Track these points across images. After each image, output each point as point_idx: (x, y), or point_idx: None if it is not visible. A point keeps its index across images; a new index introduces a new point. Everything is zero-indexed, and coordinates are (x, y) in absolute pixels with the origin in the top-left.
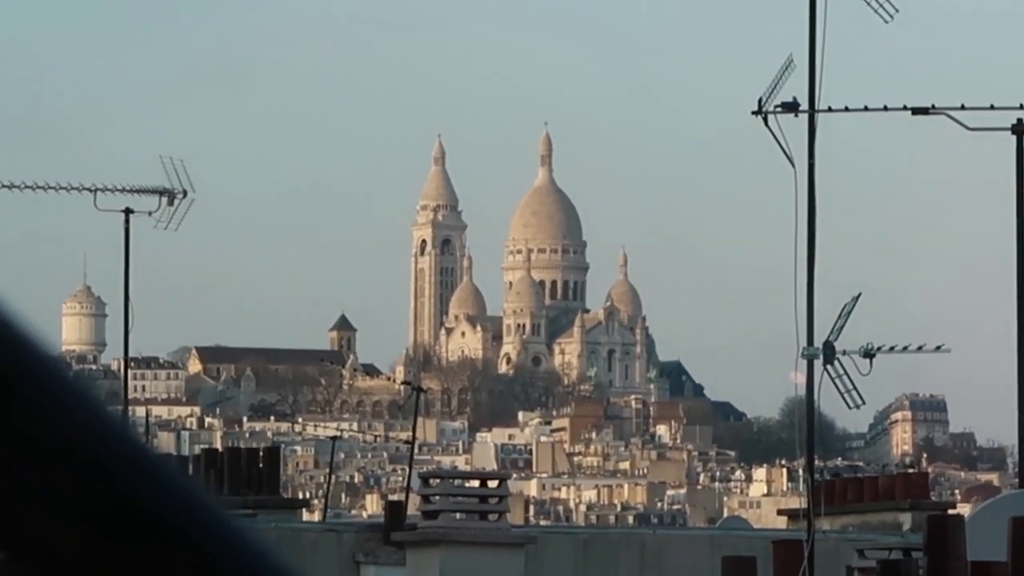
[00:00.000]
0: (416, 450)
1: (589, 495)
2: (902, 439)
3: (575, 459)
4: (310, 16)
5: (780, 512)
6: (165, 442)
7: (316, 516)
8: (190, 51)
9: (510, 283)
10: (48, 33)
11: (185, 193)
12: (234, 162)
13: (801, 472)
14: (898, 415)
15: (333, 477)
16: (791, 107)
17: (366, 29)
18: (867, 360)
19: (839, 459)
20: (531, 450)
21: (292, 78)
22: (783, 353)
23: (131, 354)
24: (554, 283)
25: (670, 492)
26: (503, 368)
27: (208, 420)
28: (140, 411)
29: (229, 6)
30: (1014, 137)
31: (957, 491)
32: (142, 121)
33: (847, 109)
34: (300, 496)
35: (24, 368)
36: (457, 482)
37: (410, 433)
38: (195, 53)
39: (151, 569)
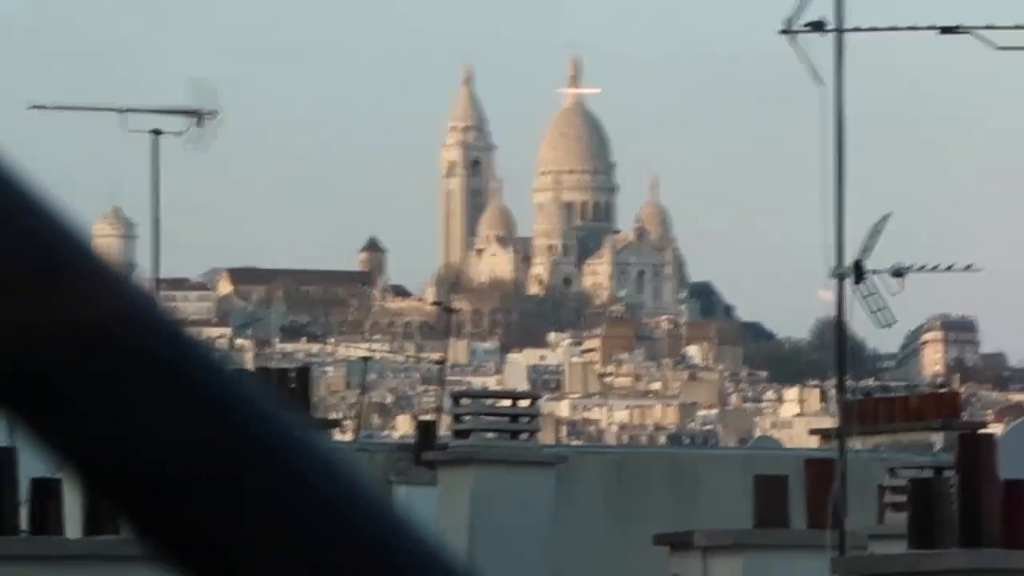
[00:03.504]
0: (447, 371)
1: (621, 415)
2: (933, 359)
3: (606, 380)
4: None
5: (812, 432)
6: None
7: (348, 436)
8: None
9: (539, 204)
10: None
11: (214, 114)
12: (263, 83)
13: (833, 392)
14: (929, 335)
15: (364, 398)
16: (818, 26)
17: None
18: (897, 279)
19: (871, 379)
20: (562, 371)
21: (325, 2)
22: (813, 273)
23: (161, 275)
24: (583, 204)
25: (701, 412)
26: (533, 289)
27: (239, 341)
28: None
29: None
30: None
31: (989, 411)
32: (170, 42)
33: (874, 28)
34: (332, 416)
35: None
36: (488, 402)
37: (441, 353)
38: None
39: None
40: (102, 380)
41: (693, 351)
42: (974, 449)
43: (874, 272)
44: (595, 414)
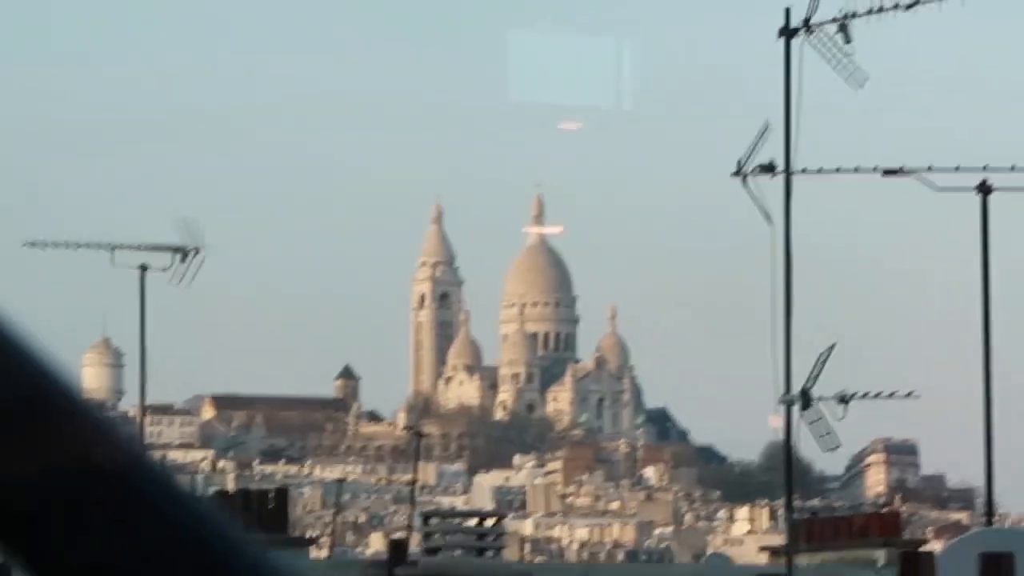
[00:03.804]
0: (417, 491)
1: (581, 533)
2: (876, 481)
3: (567, 500)
4: (321, 87)
5: (762, 549)
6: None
7: (323, 553)
8: (200, 115)
9: (505, 335)
10: (65, 97)
11: (197, 250)
12: (245, 222)
13: (781, 511)
14: (872, 458)
15: (339, 517)
16: (768, 169)
17: (368, 108)
18: (842, 406)
19: (817, 499)
20: (526, 491)
21: (304, 144)
22: (763, 400)
23: (147, 402)
24: (547, 335)
25: (657, 531)
26: (499, 415)
27: (221, 464)
28: (156, 456)
29: (239, 77)
30: (979, 196)
31: (929, 529)
32: (157, 182)
33: (821, 170)
34: (308, 535)
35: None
36: (456, 520)
37: (412, 475)
38: (204, 118)
39: None
40: (80, 519)
41: (649, 473)
42: (914, 566)
43: (820, 399)
44: (557, 532)
